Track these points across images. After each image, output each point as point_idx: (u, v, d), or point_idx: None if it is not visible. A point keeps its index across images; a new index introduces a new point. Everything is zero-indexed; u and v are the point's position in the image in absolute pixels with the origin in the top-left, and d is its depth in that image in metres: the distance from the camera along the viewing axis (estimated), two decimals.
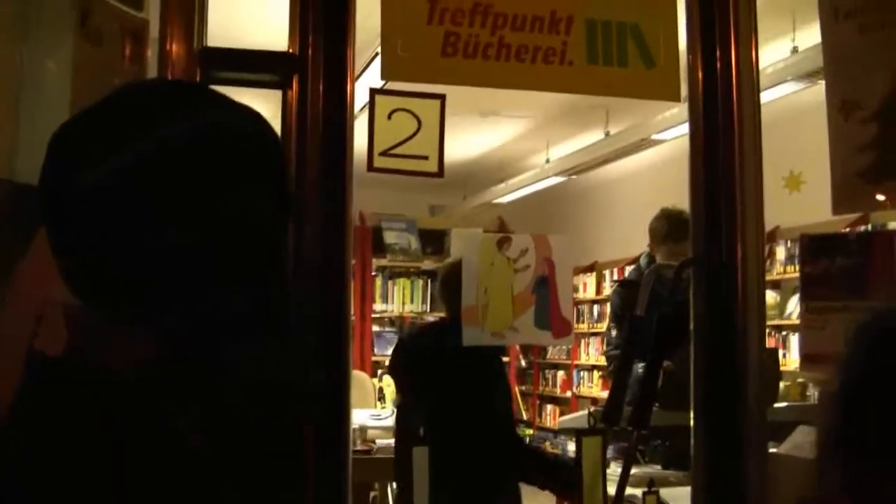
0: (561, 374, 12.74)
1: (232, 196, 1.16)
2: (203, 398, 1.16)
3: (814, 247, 2.86)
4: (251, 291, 1.19)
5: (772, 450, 2.90)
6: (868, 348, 1.34)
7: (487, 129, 10.12)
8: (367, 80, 4.38)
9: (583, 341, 12.00)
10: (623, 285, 5.35)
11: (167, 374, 1.15)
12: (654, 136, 8.49)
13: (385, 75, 2.51)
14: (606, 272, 11.63)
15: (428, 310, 10.03)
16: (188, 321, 1.15)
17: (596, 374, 11.88)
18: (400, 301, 9.99)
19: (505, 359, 4.74)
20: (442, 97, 2.49)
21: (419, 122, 2.47)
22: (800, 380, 5.29)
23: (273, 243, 1.23)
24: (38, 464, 1.12)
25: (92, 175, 1.13)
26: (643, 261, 5.53)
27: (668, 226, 5.26)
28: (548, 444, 11.26)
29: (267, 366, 1.24)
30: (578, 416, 4.93)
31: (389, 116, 2.45)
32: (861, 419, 1.31)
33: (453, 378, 3.97)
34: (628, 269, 11.01)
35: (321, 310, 2.41)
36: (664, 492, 3.27)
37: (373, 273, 9.73)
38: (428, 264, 10.03)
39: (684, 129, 7.61)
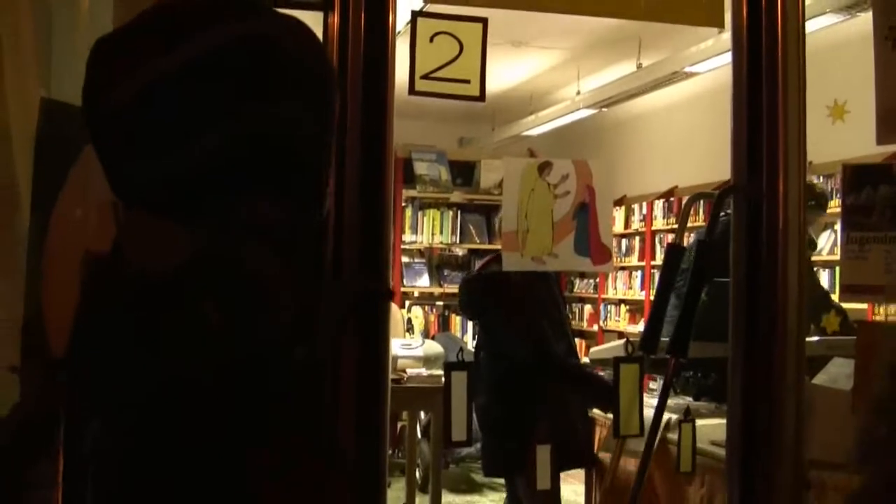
0: (588, 307, 12.75)
1: (270, 106, 1.18)
2: (232, 293, 1.17)
3: (856, 177, 2.83)
4: (285, 200, 1.21)
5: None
6: None
7: (518, 60, 10.04)
8: (406, 1, 4.34)
9: (610, 275, 11.99)
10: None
11: (200, 271, 1.18)
12: (687, 69, 8.41)
13: None
14: (636, 206, 11.59)
15: (458, 241, 10.03)
16: (224, 223, 1.19)
17: (623, 308, 11.89)
18: (429, 232, 9.97)
19: None
20: (484, 20, 2.46)
21: (461, 45, 2.44)
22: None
23: (311, 157, 1.24)
24: (91, 352, 1.18)
25: (134, 83, 1.16)
26: None
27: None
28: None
29: (290, 271, 1.26)
30: (609, 347, 4.94)
31: (431, 39, 2.42)
32: None
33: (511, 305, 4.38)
34: (658, 202, 11.01)
35: (361, 236, 2.41)
36: (697, 423, 3.28)
37: (402, 204, 9.71)
38: (458, 196, 10.00)
39: (718, 62, 7.61)
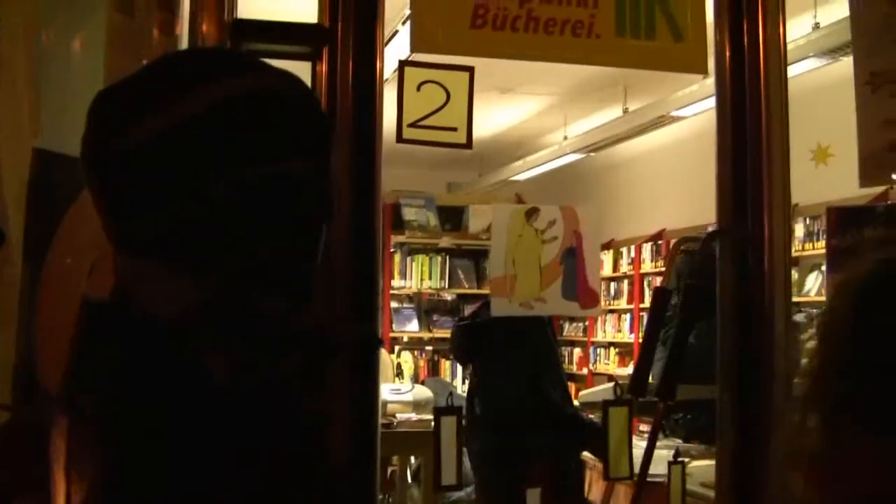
0: (577, 351, 12.74)
1: (270, 157, 1.21)
2: (234, 342, 1.20)
3: (841, 219, 2.86)
4: (292, 247, 1.23)
5: None
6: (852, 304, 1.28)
7: (505, 106, 10.09)
8: (392, 50, 4.40)
9: (599, 318, 11.97)
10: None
11: (201, 318, 1.20)
12: (673, 113, 8.45)
13: (414, 47, 2.52)
14: (623, 250, 11.60)
15: (447, 286, 10.05)
16: (221, 274, 1.20)
17: (612, 350, 11.88)
18: (418, 277, 9.99)
19: None
20: (471, 69, 2.49)
21: (448, 93, 2.47)
22: None
23: (316, 205, 1.27)
24: (91, 396, 1.20)
25: (135, 135, 1.18)
26: None
27: None
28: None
29: (295, 320, 1.28)
30: (599, 391, 4.96)
31: (418, 88, 2.45)
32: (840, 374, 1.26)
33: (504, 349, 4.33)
34: (646, 246, 11.05)
35: (351, 284, 2.42)
36: (686, 465, 3.28)
37: (391, 249, 9.74)
38: (446, 241, 10.03)
39: (703, 105, 7.64)
